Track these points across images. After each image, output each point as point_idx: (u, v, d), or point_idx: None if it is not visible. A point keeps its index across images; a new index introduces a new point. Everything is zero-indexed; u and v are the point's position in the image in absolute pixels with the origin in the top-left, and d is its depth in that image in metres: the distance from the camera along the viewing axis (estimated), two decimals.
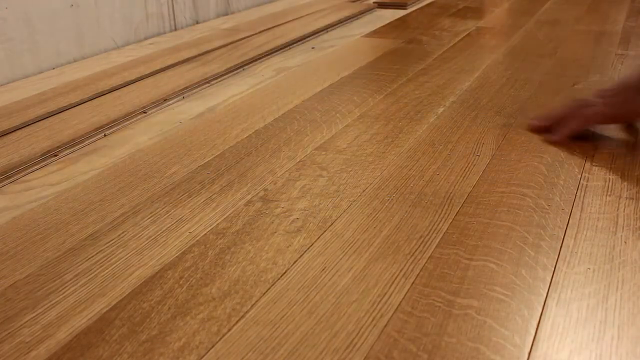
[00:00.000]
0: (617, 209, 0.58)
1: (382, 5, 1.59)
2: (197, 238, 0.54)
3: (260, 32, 1.29)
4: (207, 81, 0.98)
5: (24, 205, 0.62)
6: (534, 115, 0.79)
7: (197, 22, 1.40)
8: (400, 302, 0.46)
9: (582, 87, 0.92)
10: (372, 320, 0.44)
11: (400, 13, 1.49)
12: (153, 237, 0.55)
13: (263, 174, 0.66)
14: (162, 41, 1.23)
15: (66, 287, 0.48)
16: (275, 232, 0.55)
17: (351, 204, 0.60)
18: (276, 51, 1.16)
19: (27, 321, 0.45)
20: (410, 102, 0.87)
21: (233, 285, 0.48)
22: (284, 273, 0.49)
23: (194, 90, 0.94)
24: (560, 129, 0.73)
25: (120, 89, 0.94)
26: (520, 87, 0.92)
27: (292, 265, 0.50)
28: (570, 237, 0.54)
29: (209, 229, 0.56)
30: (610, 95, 0.73)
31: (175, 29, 1.34)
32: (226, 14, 1.50)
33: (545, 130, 0.75)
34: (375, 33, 1.30)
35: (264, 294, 0.47)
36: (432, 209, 0.58)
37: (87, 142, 0.76)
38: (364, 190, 0.62)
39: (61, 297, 0.47)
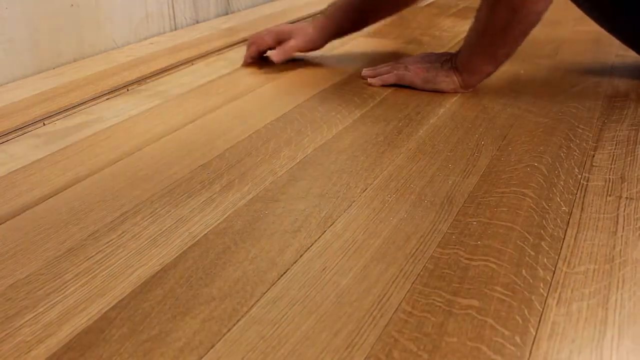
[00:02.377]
0: (618, 209, 0.58)
1: None
2: (198, 238, 0.54)
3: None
4: (208, 81, 0.98)
5: (25, 204, 0.62)
6: (365, 68, 0.99)
7: (197, 22, 1.40)
8: (401, 302, 0.46)
9: (582, 88, 0.92)
10: (373, 320, 0.44)
11: (401, 13, 1.49)
12: (153, 237, 0.55)
13: (263, 174, 0.66)
14: (162, 41, 1.23)
15: (66, 286, 0.48)
16: (275, 232, 0.55)
17: (351, 204, 0.60)
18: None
19: (27, 320, 0.45)
20: (410, 102, 0.87)
21: (233, 285, 0.48)
22: (285, 273, 0.49)
23: (195, 90, 0.94)
24: (379, 79, 0.94)
25: (120, 89, 0.94)
26: (520, 88, 0.92)
27: (292, 265, 0.50)
28: (571, 237, 0.54)
29: (210, 228, 0.56)
30: (423, 69, 0.91)
31: (175, 29, 1.34)
32: (226, 14, 1.50)
33: (370, 77, 0.95)
34: (375, 33, 1.30)
35: (264, 293, 0.47)
36: (432, 209, 0.58)
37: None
38: (364, 191, 0.62)
39: (61, 296, 0.47)
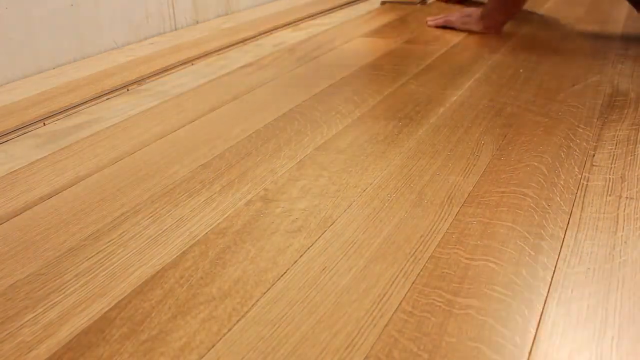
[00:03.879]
0: (618, 209, 0.58)
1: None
2: (198, 238, 0.54)
3: (260, 32, 1.29)
4: (209, 81, 0.98)
5: (26, 204, 0.62)
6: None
7: (197, 22, 1.40)
8: (401, 301, 0.46)
9: (582, 87, 0.92)
10: (373, 320, 0.44)
11: (401, 13, 1.49)
12: (153, 236, 0.55)
13: (263, 173, 0.66)
14: (162, 41, 1.23)
15: (67, 286, 0.48)
16: (275, 232, 0.55)
17: (351, 203, 0.60)
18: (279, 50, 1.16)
19: (27, 321, 0.45)
20: (410, 102, 0.87)
21: (233, 285, 0.48)
22: (285, 273, 0.49)
23: (195, 90, 0.94)
24: (433, 22, 1.35)
25: (120, 89, 0.94)
26: (520, 87, 0.92)
27: (292, 265, 0.50)
28: (571, 237, 0.54)
29: (210, 228, 0.56)
30: (463, 16, 1.30)
31: (175, 29, 1.34)
32: (226, 14, 1.50)
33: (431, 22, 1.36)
34: (375, 33, 1.30)
35: (264, 293, 0.47)
36: (432, 209, 0.58)
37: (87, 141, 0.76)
38: (364, 190, 0.62)
39: (62, 296, 0.47)
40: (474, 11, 1.30)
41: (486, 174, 0.65)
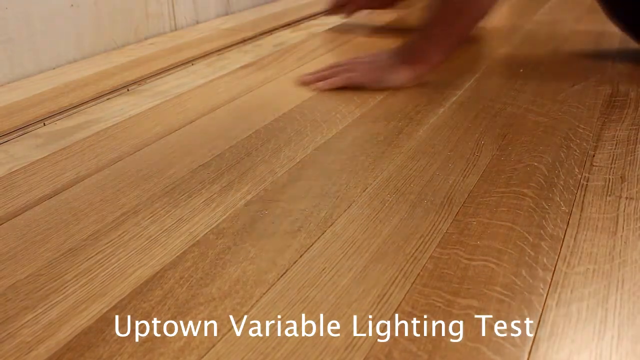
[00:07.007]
0: (617, 209, 0.58)
1: None
2: (198, 238, 0.54)
3: (260, 32, 1.29)
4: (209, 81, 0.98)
5: (26, 204, 0.62)
6: (305, 74, 0.95)
7: (197, 22, 1.40)
8: (400, 302, 0.46)
9: (582, 87, 0.92)
10: (372, 321, 0.44)
11: (401, 13, 1.49)
12: (153, 237, 0.55)
13: (263, 174, 0.66)
14: (162, 41, 1.23)
15: (66, 287, 0.48)
16: (275, 232, 0.55)
17: (351, 204, 0.60)
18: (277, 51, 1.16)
19: (27, 321, 0.45)
20: (410, 102, 0.87)
21: (233, 285, 0.48)
22: (284, 273, 0.49)
23: (194, 90, 0.94)
24: (327, 83, 0.91)
25: (118, 90, 0.95)
26: (520, 87, 0.92)
27: (292, 265, 0.50)
28: (571, 237, 0.54)
29: (209, 229, 0.56)
30: (367, 69, 0.90)
31: (176, 29, 1.34)
32: (226, 14, 1.50)
33: (315, 81, 0.92)
34: (375, 33, 1.30)
35: (264, 294, 0.47)
36: (432, 209, 0.58)
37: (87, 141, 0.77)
38: (364, 190, 0.62)
39: (61, 297, 0.47)
40: (380, 56, 0.93)
41: (486, 174, 0.65)
